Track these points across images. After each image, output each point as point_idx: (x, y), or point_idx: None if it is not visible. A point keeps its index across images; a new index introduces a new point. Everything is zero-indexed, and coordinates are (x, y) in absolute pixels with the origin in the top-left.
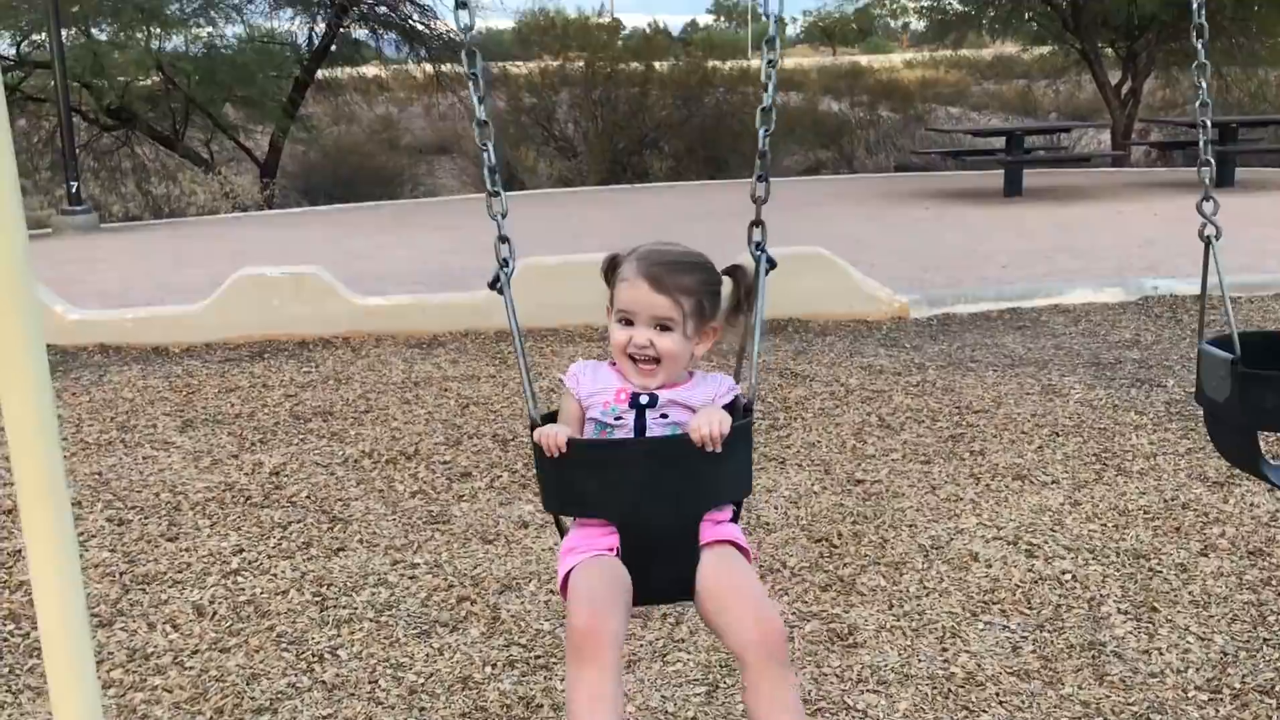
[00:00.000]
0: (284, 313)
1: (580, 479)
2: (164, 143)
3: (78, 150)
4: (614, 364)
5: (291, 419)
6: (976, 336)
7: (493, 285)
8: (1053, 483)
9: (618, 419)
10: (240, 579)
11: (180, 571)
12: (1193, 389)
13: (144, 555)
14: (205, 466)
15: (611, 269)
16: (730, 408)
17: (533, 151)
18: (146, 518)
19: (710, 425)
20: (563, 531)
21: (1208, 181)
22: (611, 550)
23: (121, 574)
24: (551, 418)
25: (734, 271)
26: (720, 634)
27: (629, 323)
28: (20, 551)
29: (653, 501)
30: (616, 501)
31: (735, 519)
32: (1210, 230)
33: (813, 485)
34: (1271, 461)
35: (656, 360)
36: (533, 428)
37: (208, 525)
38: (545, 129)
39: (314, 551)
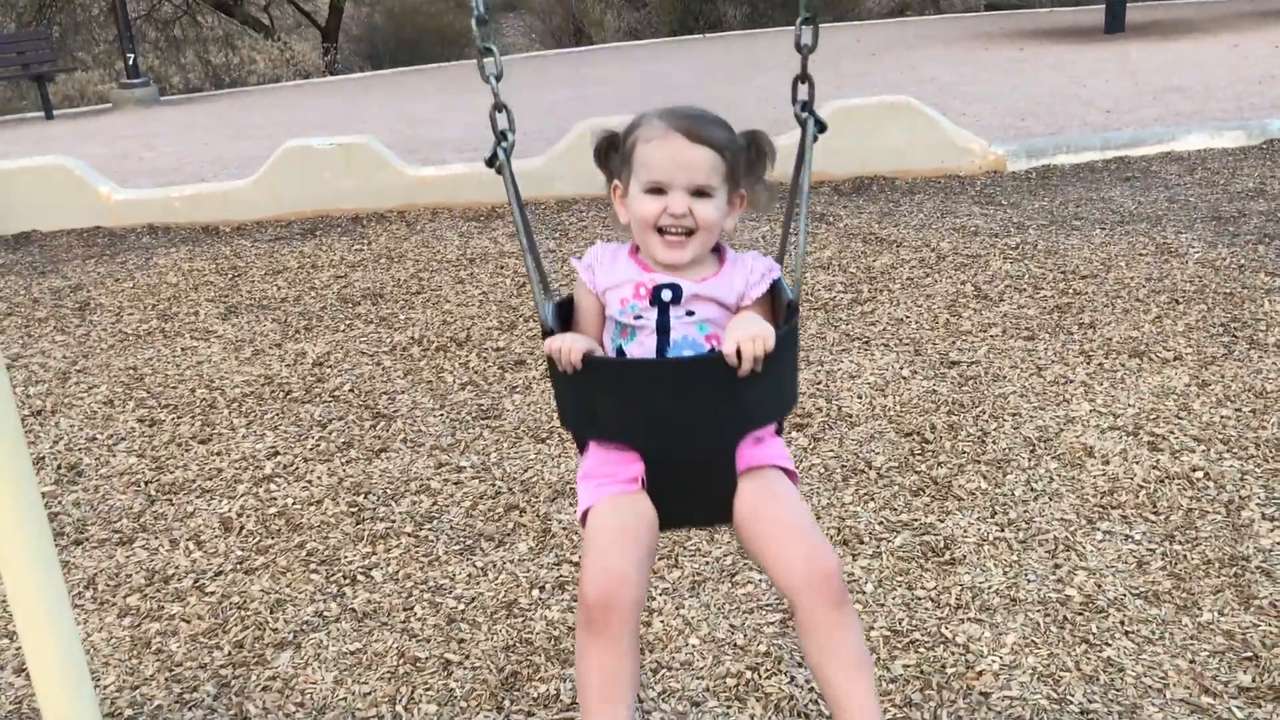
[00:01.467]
0: (334, 186)
1: (599, 400)
2: (223, 10)
3: (136, 20)
4: (634, 249)
5: (339, 302)
6: (1081, 190)
7: (490, 163)
8: (1175, 359)
9: (638, 318)
10: (273, 486)
11: (210, 479)
12: None
13: (173, 461)
14: (246, 358)
15: (611, 146)
16: (771, 294)
17: (599, 4)
18: (180, 417)
19: (751, 343)
20: (582, 449)
21: None
22: (635, 481)
23: (147, 483)
24: (568, 306)
25: (754, 137)
26: (765, 571)
27: (659, 191)
28: None
29: (682, 429)
30: (641, 428)
31: (779, 431)
32: None
33: (901, 369)
34: None
35: (690, 232)
36: (545, 334)
37: (244, 425)
38: None
39: (353, 454)
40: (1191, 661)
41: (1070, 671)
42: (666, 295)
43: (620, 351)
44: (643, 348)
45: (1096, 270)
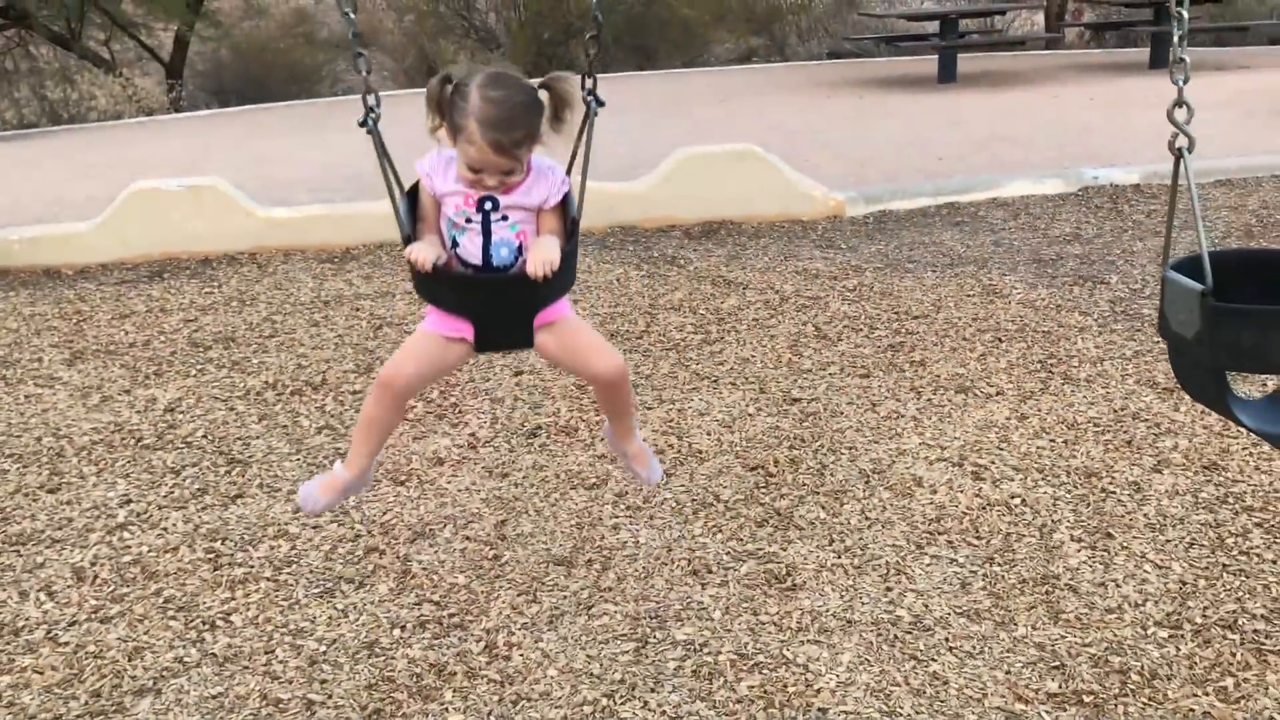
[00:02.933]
0: (183, 229)
1: (442, 291)
2: (60, 43)
3: None
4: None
5: (190, 347)
6: (914, 234)
7: (362, 124)
8: (997, 394)
9: (468, 221)
10: (126, 534)
11: (60, 529)
12: (1137, 287)
13: (20, 511)
14: (94, 404)
15: (443, 86)
16: (563, 204)
17: (452, 44)
18: (25, 467)
19: (544, 266)
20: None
21: (1181, 84)
22: (460, 334)
23: None
24: (414, 197)
25: (550, 84)
26: (573, 371)
27: (476, 171)
28: None
29: (498, 313)
30: (470, 310)
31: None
32: (1183, 141)
33: (747, 406)
34: (1242, 398)
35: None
36: (405, 242)
37: (94, 473)
38: (465, 19)
39: (209, 500)
40: (1007, 672)
41: (900, 686)
42: (488, 205)
43: (454, 242)
44: (471, 242)
45: (928, 310)
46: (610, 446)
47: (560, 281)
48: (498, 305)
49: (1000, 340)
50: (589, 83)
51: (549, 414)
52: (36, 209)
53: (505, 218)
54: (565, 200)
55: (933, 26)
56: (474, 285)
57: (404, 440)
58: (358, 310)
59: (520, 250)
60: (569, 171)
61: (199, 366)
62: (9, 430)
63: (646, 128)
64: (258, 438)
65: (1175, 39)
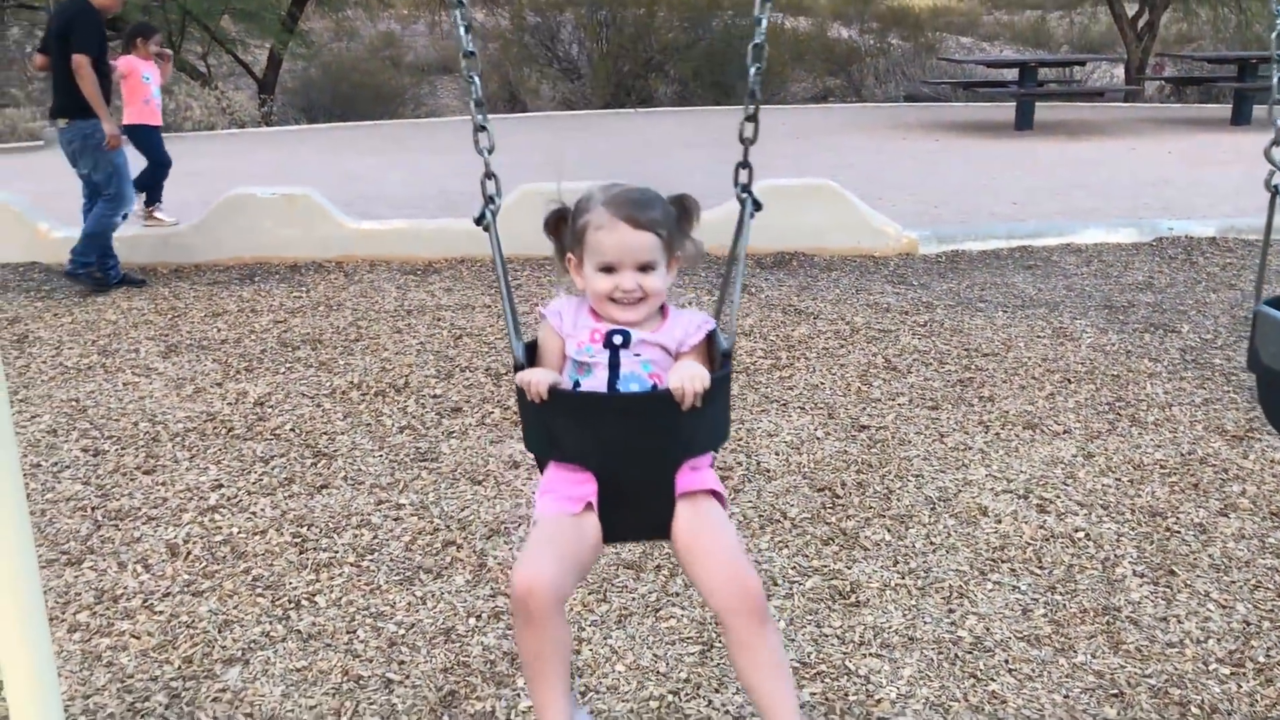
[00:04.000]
0: (275, 235)
1: (561, 426)
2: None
3: None
4: (591, 306)
5: (279, 346)
6: (986, 275)
7: (478, 222)
8: (1065, 433)
9: (593, 358)
10: (217, 516)
11: (155, 507)
12: (1208, 336)
13: (118, 489)
14: (187, 395)
15: (561, 221)
16: (708, 344)
17: (535, 73)
18: (123, 448)
19: (690, 382)
20: (542, 467)
21: (1279, 123)
22: (585, 500)
23: (94, 509)
24: (533, 346)
25: (681, 200)
26: (698, 588)
27: (610, 270)
28: None
29: (630, 454)
30: (595, 451)
31: (712, 463)
32: None
33: (815, 430)
34: None
35: (643, 299)
36: (517, 368)
37: (186, 458)
38: (549, 49)
39: (296, 489)
40: (1066, 696)
41: (959, 702)
42: (618, 340)
43: (577, 385)
44: (596, 381)
45: (997, 349)
46: None
47: (711, 419)
48: (630, 440)
49: (1069, 381)
50: (744, 175)
51: None
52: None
53: (638, 355)
54: (710, 340)
55: (1011, 74)
56: (600, 405)
57: (481, 444)
58: (439, 320)
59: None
60: (720, 295)
61: (287, 365)
62: (108, 415)
63: (722, 161)
64: (342, 434)
65: (1276, 80)
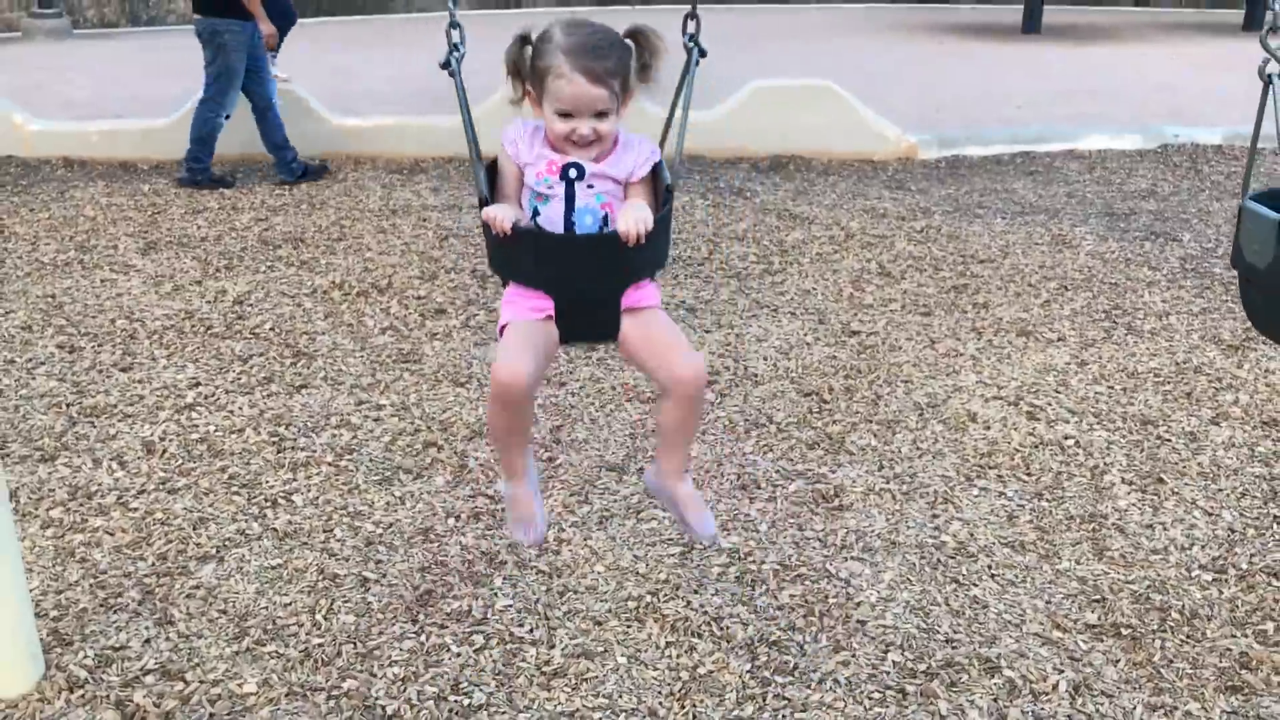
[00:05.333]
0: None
1: (521, 257)
2: None
3: None
4: (546, 133)
5: (260, 244)
6: (986, 181)
7: (444, 66)
8: (1059, 340)
9: (550, 189)
10: (194, 415)
11: (132, 405)
12: (1210, 245)
13: (94, 386)
14: (166, 292)
15: (522, 47)
16: (653, 175)
17: None
18: (100, 345)
19: (636, 225)
20: (504, 284)
21: (1276, 8)
22: (545, 313)
23: (69, 405)
24: (493, 169)
25: (635, 35)
26: (646, 373)
27: (568, 115)
28: None
29: (582, 282)
30: (553, 280)
31: (652, 278)
32: (1274, 68)
33: (805, 335)
34: None
35: (595, 140)
36: (482, 204)
37: (164, 356)
38: None
39: (274, 388)
40: (1048, 602)
41: (940, 606)
42: (573, 173)
43: (535, 212)
44: (553, 211)
45: (994, 256)
46: (653, 488)
47: (653, 251)
48: (583, 273)
49: (1066, 289)
50: (692, 26)
51: None
52: (115, 105)
53: (591, 186)
54: (656, 172)
55: None
56: (558, 246)
57: (465, 346)
58: (425, 220)
59: (606, 221)
60: (664, 131)
61: (268, 264)
62: (85, 311)
63: (719, 60)
64: (323, 334)
65: None
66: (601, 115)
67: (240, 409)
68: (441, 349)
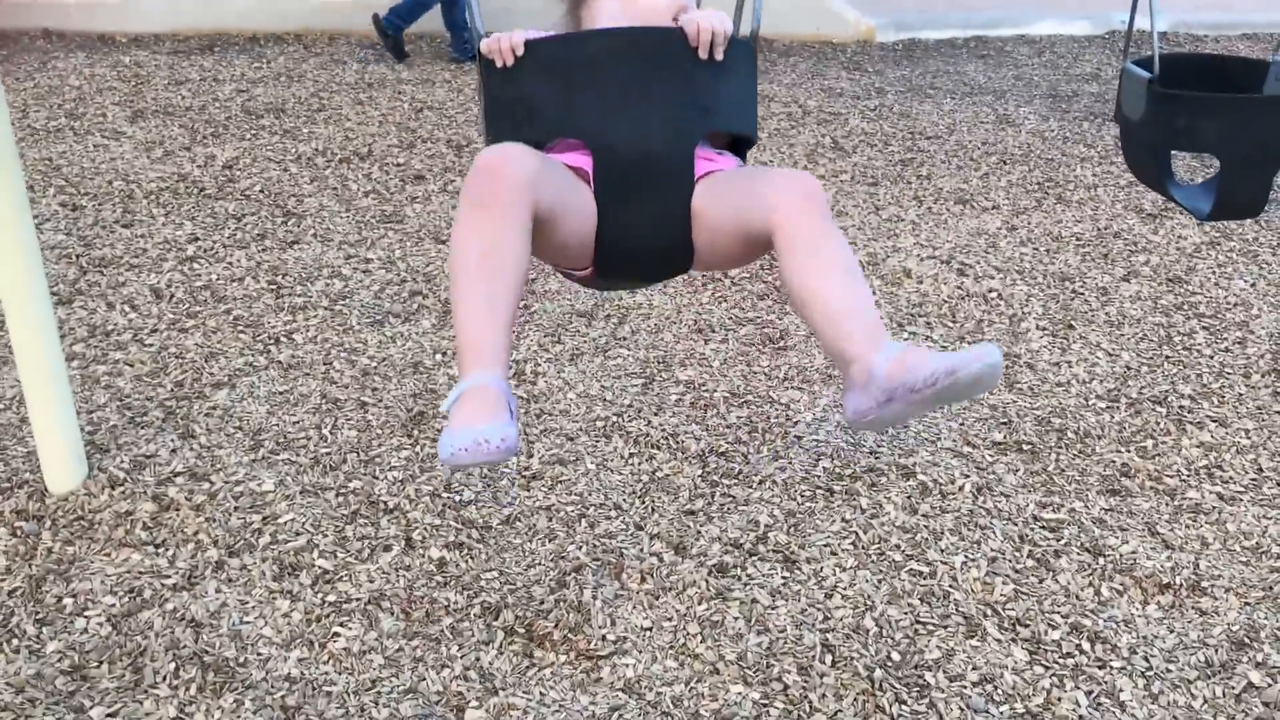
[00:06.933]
0: (232, 6)
1: (542, 91)
2: None
3: None
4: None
5: (243, 114)
6: (940, 63)
7: None
8: (993, 208)
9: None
10: (196, 265)
11: (136, 256)
12: None
13: (99, 240)
14: (157, 157)
15: None
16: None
17: None
18: (100, 204)
19: (709, 21)
20: None
21: None
22: (579, 167)
23: (78, 256)
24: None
25: None
26: (741, 231)
27: None
28: None
29: (635, 115)
30: (590, 115)
31: (738, 150)
32: None
33: None
34: (1179, 181)
35: None
36: (478, 40)
37: (162, 214)
38: None
39: (268, 243)
40: (961, 424)
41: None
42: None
43: None
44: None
45: (941, 133)
46: (861, 412)
47: (737, 93)
48: (633, 98)
49: (1005, 163)
50: None
51: None
52: None
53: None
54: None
55: None
56: (598, 48)
57: (445, 209)
58: (400, 93)
59: None
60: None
61: (253, 132)
62: (82, 173)
63: None
64: (310, 196)
65: None
66: None
67: (239, 261)
68: (422, 210)
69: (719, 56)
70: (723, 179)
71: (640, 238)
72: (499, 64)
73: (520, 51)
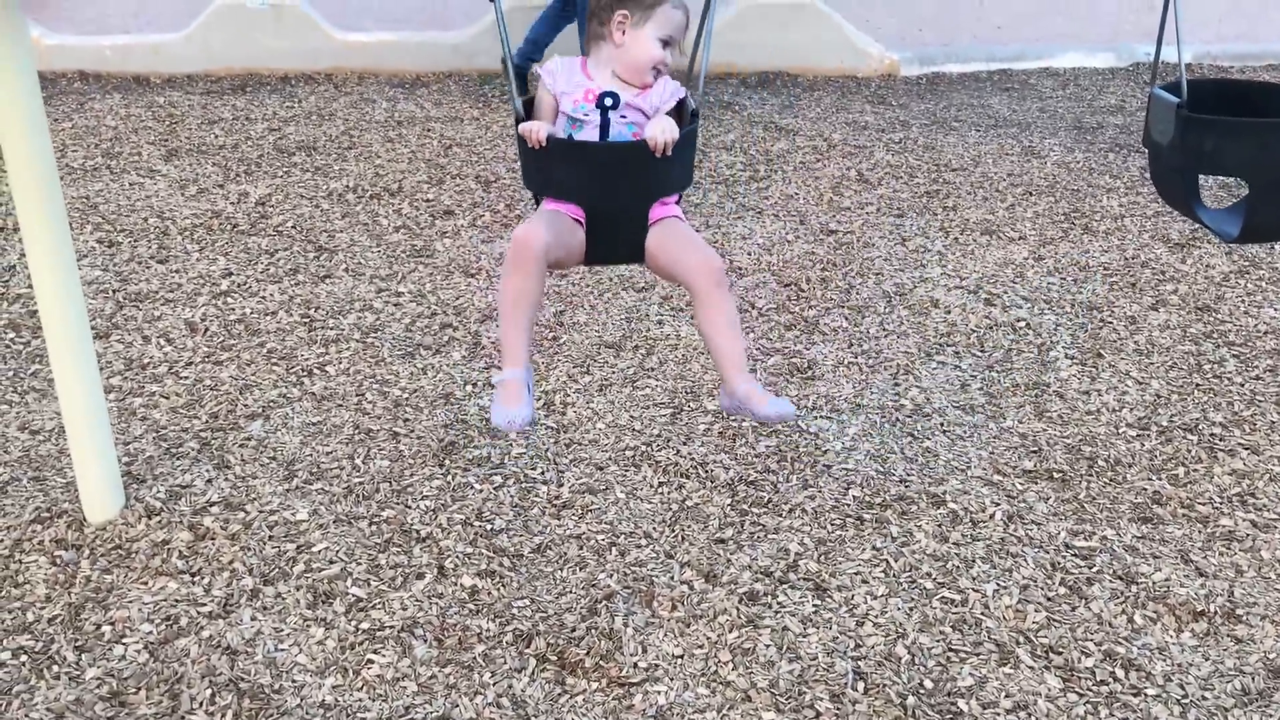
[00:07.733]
0: (265, 46)
1: (556, 169)
2: None
3: None
4: (584, 64)
5: (275, 152)
6: (964, 96)
7: None
8: (1020, 238)
9: (585, 115)
10: (230, 300)
11: (172, 291)
12: None
13: (135, 275)
14: (191, 195)
15: None
16: (679, 108)
17: None
18: (136, 241)
19: (663, 134)
20: (538, 202)
21: None
22: (577, 219)
23: (115, 291)
24: (530, 104)
25: None
26: (671, 276)
27: (666, 44)
28: (14, 266)
29: (613, 191)
30: (584, 189)
31: (678, 203)
32: None
33: (787, 234)
34: (1206, 204)
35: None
36: (518, 121)
37: (196, 250)
38: None
39: (301, 278)
40: (991, 453)
41: (895, 454)
42: (609, 101)
43: (571, 137)
44: (588, 135)
45: (966, 165)
46: (728, 407)
47: (679, 166)
48: (613, 182)
49: (1030, 194)
50: None
51: None
52: (121, 21)
53: (624, 116)
54: (680, 107)
55: None
56: (590, 153)
57: (473, 243)
58: (429, 131)
59: None
60: (693, 61)
61: (285, 169)
62: (119, 211)
63: None
64: (341, 231)
65: None
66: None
67: (272, 295)
68: (451, 245)
69: (669, 154)
70: (670, 234)
71: (613, 257)
72: (530, 145)
73: (544, 144)
